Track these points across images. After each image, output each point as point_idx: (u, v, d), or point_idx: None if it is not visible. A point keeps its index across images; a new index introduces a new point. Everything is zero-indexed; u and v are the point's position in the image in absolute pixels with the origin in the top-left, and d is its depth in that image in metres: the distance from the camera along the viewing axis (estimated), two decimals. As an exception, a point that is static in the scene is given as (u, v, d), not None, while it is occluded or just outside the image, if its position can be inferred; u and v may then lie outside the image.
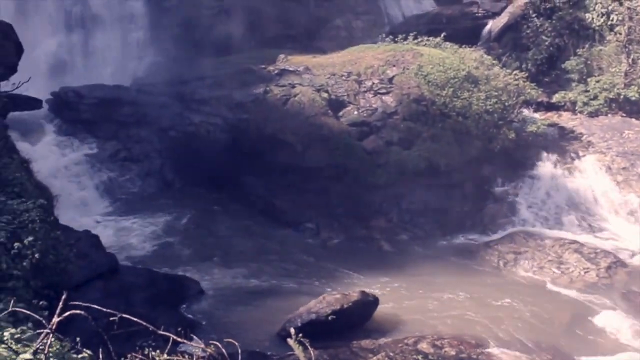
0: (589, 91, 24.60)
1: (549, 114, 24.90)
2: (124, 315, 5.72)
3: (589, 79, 24.80)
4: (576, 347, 14.31)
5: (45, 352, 5.27)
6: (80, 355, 6.04)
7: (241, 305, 15.65)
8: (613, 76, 24.41)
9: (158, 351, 6.12)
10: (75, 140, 22.72)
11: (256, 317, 15.14)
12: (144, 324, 5.55)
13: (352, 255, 18.77)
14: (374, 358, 13.09)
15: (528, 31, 26.82)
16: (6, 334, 5.93)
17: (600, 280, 17.29)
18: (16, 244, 9.02)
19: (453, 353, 13.67)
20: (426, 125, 21.39)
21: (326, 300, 14.55)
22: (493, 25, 28.09)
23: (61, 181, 20.29)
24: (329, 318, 13.99)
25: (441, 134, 21.28)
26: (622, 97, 24.01)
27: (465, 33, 26.70)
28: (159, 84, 23.80)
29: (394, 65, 22.45)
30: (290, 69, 23.05)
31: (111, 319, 5.70)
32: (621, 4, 24.63)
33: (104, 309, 5.64)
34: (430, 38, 24.37)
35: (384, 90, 21.93)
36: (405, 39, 24.37)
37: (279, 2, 28.21)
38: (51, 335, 5.23)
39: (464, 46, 24.08)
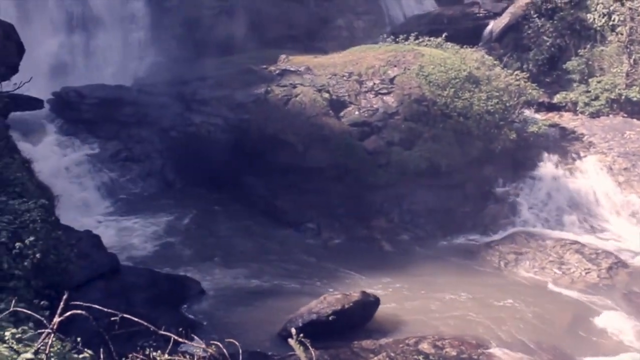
0: (590, 92, 24.57)
1: (550, 114, 24.87)
2: (125, 315, 5.72)
3: (590, 80, 24.78)
4: (578, 348, 14.30)
5: (47, 352, 5.27)
6: (81, 356, 6.05)
7: (242, 305, 15.65)
8: (614, 77, 24.38)
9: (159, 352, 6.12)
10: (77, 140, 22.74)
11: (257, 317, 15.14)
12: (145, 324, 5.55)
13: (353, 255, 18.76)
14: (375, 358, 13.09)
15: (529, 31, 26.81)
16: (7, 333, 5.93)
17: (601, 281, 17.28)
18: (17, 244, 9.03)
19: (454, 353, 13.67)
20: (427, 126, 21.38)
21: (327, 300, 14.54)
22: (494, 26, 28.08)
23: (62, 181, 20.30)
24: (330, 318, 13.99)
25: (442, 135, 21.27)
26: (623, 97, 23.98)
27: (467, 33, 26.69)
28: (160, 84, 23.81)
29: (395, 66, 22.45)
30: (292, 69, 23.05)
31: (112, 319, 5.70)
32: (623, 5, 24.61)
33: (105, 309, 5.63)
34: (432, 38, 24.37)
35: (385, 91, 21.92)
36: (407, 39, 24.37)
37: (280, 3, 28.22)
38: (52, 335, 5.23)
39: (465, 46, 24.07)
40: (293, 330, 7.95)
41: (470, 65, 22.65)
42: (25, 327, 6.41)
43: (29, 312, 5.94)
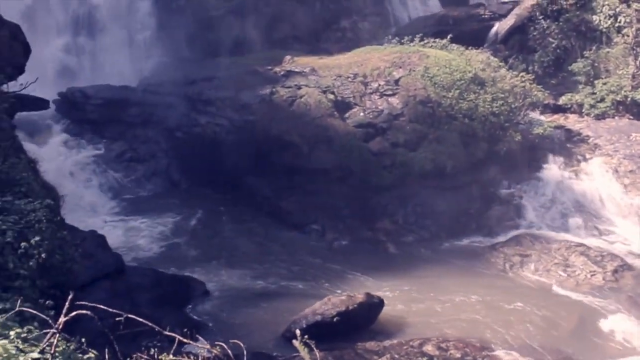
0: (595, 93, 24.48)
1: (556, 116, 24.79)
2: (129, 316, 5.73)
3: (596, 82, 24.69)
4: (583, 351, 14.24)
5: (52, 351, 5.29)
6: (86, 356, 6.06)
7: (246, 306, 15.66)
8: (620, 78, 24.29)
9: (165, 353, 6.13)
10: (82, 141, 22.85)
11: (261, 318, 15.14)
12: (150, 324, 5.56)
13: (357, 256, 18.75)
14: (379, 360, 13.08)
15: (535, 33, 26.74)
16: (12, 333, 5.95)
17: (606, 283, 17.21)
18: (23, 244, 9.05)
19: (458, 355, 13.64)
20: (432, 127, 21.36)
21: (331, 301, 14.53)
22: (499, 27, 28.03)
23: (68, 181, 20.39)
24: (334, 320, 13.99)
25: (447, 136, 21.24)
26: (629, 99, 23.89)
27: (472, 35, 26.65)
28: (166, 84, 23.88)
29: (400, 67, 22.43)
30: (297, 70, 23.07)
31: (117, 319, 5.72)
32: (629, 6, 24.53)
33: (110, 309, 5.65)
34: (437, 40, 24.33)
35: (390, 92, 21.91)
36: (412, 40, 24.35)
37: (286, 4, 28.25)
38: (57, 335, 5.25)
39: (470, 48, 24.03)
40: (297, 332, 7.95)
41: (475, 66, 22.62)
42: (31, 327, 6.43)
43: (35, 311, 5.97)
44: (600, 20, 25.26)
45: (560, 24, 26.39)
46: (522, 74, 23.75)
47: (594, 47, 25.44)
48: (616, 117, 24.00)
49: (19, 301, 6.83)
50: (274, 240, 19.54)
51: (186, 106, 23.26)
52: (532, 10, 27.15)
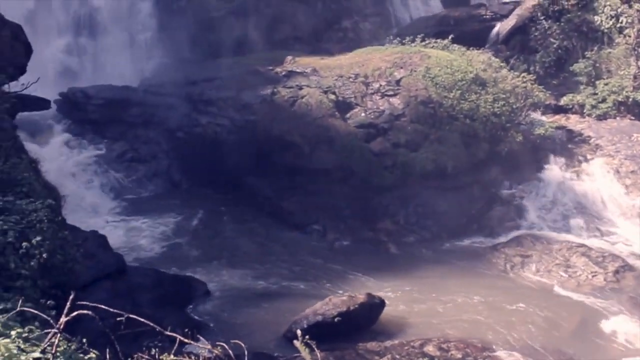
0: (597, 94, 24.46)
1: (557, 116, 24.77)
2: (130, 316, 5.73)
3: (597, 82, 24.67)
4: (584, 352, 14.22)
5: (53, 351, 5.29)
6: (87, 356, 6.06)
7: (247, 306, 15.66)
8: (622, 79, 24.26)
9: (166, 353, 6.13)
10: (84, 141, 22.87)
11: (262, 318, 15.14)
12: (151, 324, 5.56)
13: (358, 257, 18.74)
14: (380, 360, 13.07)
15: (536, 33, 26.72)
16: (13, 332, 5.95)
17: (608, 284, 17.19)
18: (24, 244, 9.05)
19: (459, 356, 13.63)
20: (433, 128, 21.35)
21: (332, 302, 14.53)
22: (501, 28, 28.01)
23: (69, 181, 20.40)
24: (335, 320, 13.97)
25: (448, 136, 21.23)
26: (631, 100, 23.86)
27: (473, 35, 26.64)
28: (167, 85, 23.90)
29: (402, 67, 22.43)
30: (298, 70, 23.07)
31: (118, 319, 5.71)
32: (631, 6, 24.51)
33: (111, 309, 5.65)
34: (438, 40, 24.33)
35: (391, 92, 21.90)
36: (413, 41, 24.35)
37: (287, 4, 28.26)
38: (59, 334, 5.25)
39: (471, 48, 24.03)
40: (299, 332, 7.95)
41: (476, 67, 22.61)
42: (32, 327, 6.43)
43: (36, 311, 5.97)
44: (601, 21, 25.24)
45: (562, 24, 26.36)
46: (523, 74, 23.73)
47: (595, 48, 25.41)
48: (618, 118, 23.98)
49: (20, 301, 6.84)
50: (275, 241, 19.55)
51: (187, 106, 23.27)
52: (534, 11, 27.13)
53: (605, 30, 25.40)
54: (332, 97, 21.85)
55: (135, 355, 6.23)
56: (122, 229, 19.54)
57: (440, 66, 22.22)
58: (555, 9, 26.73)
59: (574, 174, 21.90)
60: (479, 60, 23.32)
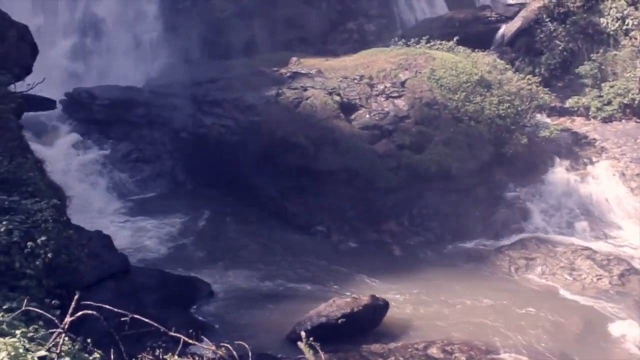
0: (602, 96, 24.41)
1: (562, 119, 24.73)
2: (135, 316, 5.73)
3: (603, 84, 24.62)
4: (590, 356, 14.16)
5: (58, 351, 5.30)
6: (92, 356, 6.07)
7: (252, 307, 15.65)
8: (628, 81, 24.21)
9: (170, 354, 6.13)
10: (89, 141, 22.92)
11: (266, 319, 15.14)
12: (155, 325, 5.56)
13: (363, 258, 18.72)
14: (384, 362, 13.05)
15: (541, 35, 26.68)
16: (18, 332, 5.97)
17: (612, 287, 17.11)
18: (29, 243, 9.07)
19: (463, 358, 13.59)
20: (438, 130, 21.33)
21: (336, 303, 14.51)
22: (506, 30, 27.97)
23: (74, 181, 20.44)
24: (339, 322, 13.96)
25: (453, 138, 21.20)
26: (636, 102, 23.81)
27: (478, 37, 26.62)
28: (172, 85, 23.93)
29: (407, 69, 22.41)
30: (303, 71, 23.08)
31: (122, 319, 5.72)
32: (637, 9, 24.45)
33: (116, 310, 5.65)
34: (443, 42, 24.32)
35: (396, 94, 21.88)
36: (418, 42, 24.33)
37: (292, 5, 28.27)
38: (63, 334, 5.25)
39: (476, 50, 24.00)
40: (303, 334, 7.93)
41: (481, 69, 22.58)
42: (37, 326, 6.45)
43: (41, 311, 5.98)
44: (607, 23, 25.17)
45: (567, 26, 26.32)
46: (528, 76, 23.70)
47: (601, 50, 25.36)
48: (623, 120, 23.94)
49: (25, 300, 6.85)
50: (280, 242, 19.54)
51: (192, 107, 23.30)
52: (539, 13, 27.09)
53: (611, 33, 25.34)
54: (337, 98, 21.84)
55: (140, 356, 6.24)
56: (127, 230, 19.58)
57: (445, 68, 22.20)
58: (561, 11, 26.69)
59: (579, 177, 21.83)
60: (484, 62, 23.28)
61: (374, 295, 15.00)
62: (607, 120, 24.07)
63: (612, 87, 24.32)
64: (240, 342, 6.66)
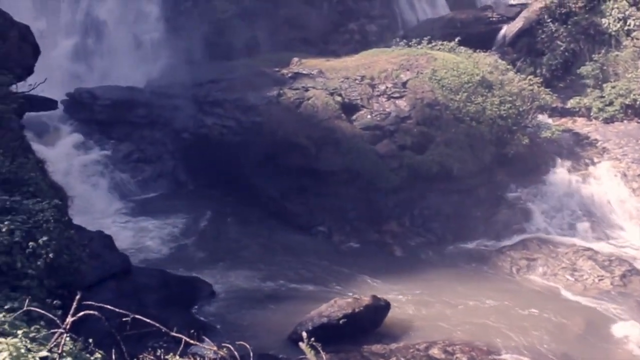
0: (604, 97, 24.38)
1: (564, 119, 24.70)
2: (136, 316, 5.74)
3: (604, 85, 24.59)
4: (593, 356, 14.15)
5: (59, 351, 5.30)
6: (93, 356, 6.07)
7: (253, 307, 15.65)
8: (629, 82, 24.18)
9: (171, 354, 6.14)
10: (90, 141, 22.93)
11: (267, 319, 15.14)
12: (157, 325, 5.57)
13: (364, 259, 18.71)
14: (385, 363, 13.04)
15: (543, 36, 26.65)
16: (20, 332, 5.97)
17: (614, 288, 17.10)
18: (31, 244, 9.07)
19: (464, 359, 13.58)
20: (440, 130, 21.32)
21: (338, 304, 14.51)
22: (507, 30, 27.95)
23: (76, 181, 20.46)
24: (340, 322, 13.96)
25: (454, 139, 21.19)
26: (638, 103, 23.77)
27: (480, 38, 26.60)
28: (173, 86, 23.93)
29: (408, 70, 22.41)
30: (304, 72, 23.08)
31: (124, 319, 5.72)
32: (639, 9, 24.42)
33: (117, 310, 5.66)
34: (445, 42, 24.30)
35: (397, 95, 21.88)
36: (419, 43, 24.32)
37: (294, 6, 28.26)
38: (65, 334, 5.25)
39: (478, 51, 23.99)
40: (304, 334, 7.93)
41: (483, 69, 22.56)
42: (38, 326, 6.45)
43: (42, 311, 5.98)
44: (609, 24, 25.15)
45: (569, 27, 26.29)
46: (530, 77, 23.68)
47: (602, 51, 25.34)
48: (625, 121, 23.91)
49: (26, 301, 6.86)
50: (281, 242, 19.54)
51: (193, 108, 23.31)
52: (541, 13, 27.07)
53: (613, 33, 25.31)
54: (338, 99, 21.84)
55: (141, 356, 6.24)
56: (129, 230, 19.58)
57: (446, 68, 22.19)
58: (563, 11, 26.66)
59: (580, 177, 21.81)
60: (486, 62, 23.27)
61: (375, 296, 15.00)
62: (608, 120, 24.04)
63: (613, 87, 24.29)
64: (242, 343, 6.67)
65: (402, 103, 21.73)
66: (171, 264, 17.43)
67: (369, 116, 21.61)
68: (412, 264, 18.45)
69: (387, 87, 22.06)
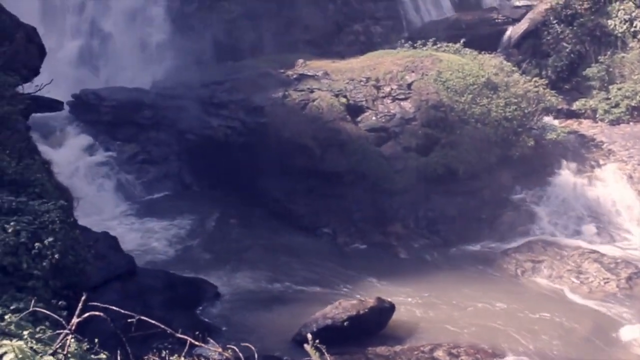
0: (610, 99, 24.29)
1: (569, 121, 24.61)
2: (141, 318, 5.74)
3: (610, 87, 24.48)
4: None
5: (65, 352, 5.31)
6: (98, 357, 6.08)
7: (258, 309, 15.66)
8: (635, 84, 24.07)
9: (176, 355, 6.14)
10: (96, 142, 23.00)
11: (272, 321, 15.14)
12: (162, 326, 5.57)
13: (369, 260, 18.70)
14: (390, 365, 13.02)
15: (548, 38, 26.57)
16: (25, 333, 5.98)
17: (620, 290, 17.02)
18: (37, 244, 9.10)
19: (469, 361, 13.55)
20: (444, 132, 21.29)
21: (342, 305, 14.50)
22: (513, 32, 27.88)
23: (82, 182, 20.54)
24: (345, 324, 13.96)
25: (460, 141, 21.15)
26: (644, 105, 23.68)
27: (485, 39, 26.56)
28: (178, 87, 23.99)
29: (413, 71, 22.39)
30: (309, 73, 23.09)
31: (129, 320, 5.72)
32: (645, 11, 24.34)
33: (122, 311, 5.66)
34: (450, 44, 24.27)
35: (402, 96, 21.86)
36: (425, 44, 24.30)
37: (299, 7, 28.28)
38: (70, 335, 5.26)
39: (483, 52, 23.94)
40: (309, 336, 7.92)
41: (488, 71, 22.52)
42: (43, 327, 6.47)
43: (48, 312, 5.99)
44: (615, 25, 25.06)
45: (575, 28, 26.20)
46: (535, 78, 23.59)
47: (608, 52, 25.23)
48: (631, 123, 23.80)
49: (32, 301, 6.87)
50: (285, 243, 19.55)
51: (198, 109, 23.35)
52: (546, 15, 26.98)
53: (619, 35, 25.22)
54: (343, 100, 21.84)
55: (146, 357, 6.24)
56: (135, 232, 19.63)
57: (451, 70, 22.15)
58: (568, 13, 26.57)
59: (586, 180, 21.72)
60: (491, 64, 23.22)
61: (380, 298, 14.99)
62: (614, 122, 23.94)
63: (619, 89, 24.19)
64: (247, 344, 6.66)
65: (407, 105, 21.71)
66: (177, 266, 17.46)
67: (374, 118, 21.60)
68: (417, 266, 18.42)
69: (392, 89, 22.05)
